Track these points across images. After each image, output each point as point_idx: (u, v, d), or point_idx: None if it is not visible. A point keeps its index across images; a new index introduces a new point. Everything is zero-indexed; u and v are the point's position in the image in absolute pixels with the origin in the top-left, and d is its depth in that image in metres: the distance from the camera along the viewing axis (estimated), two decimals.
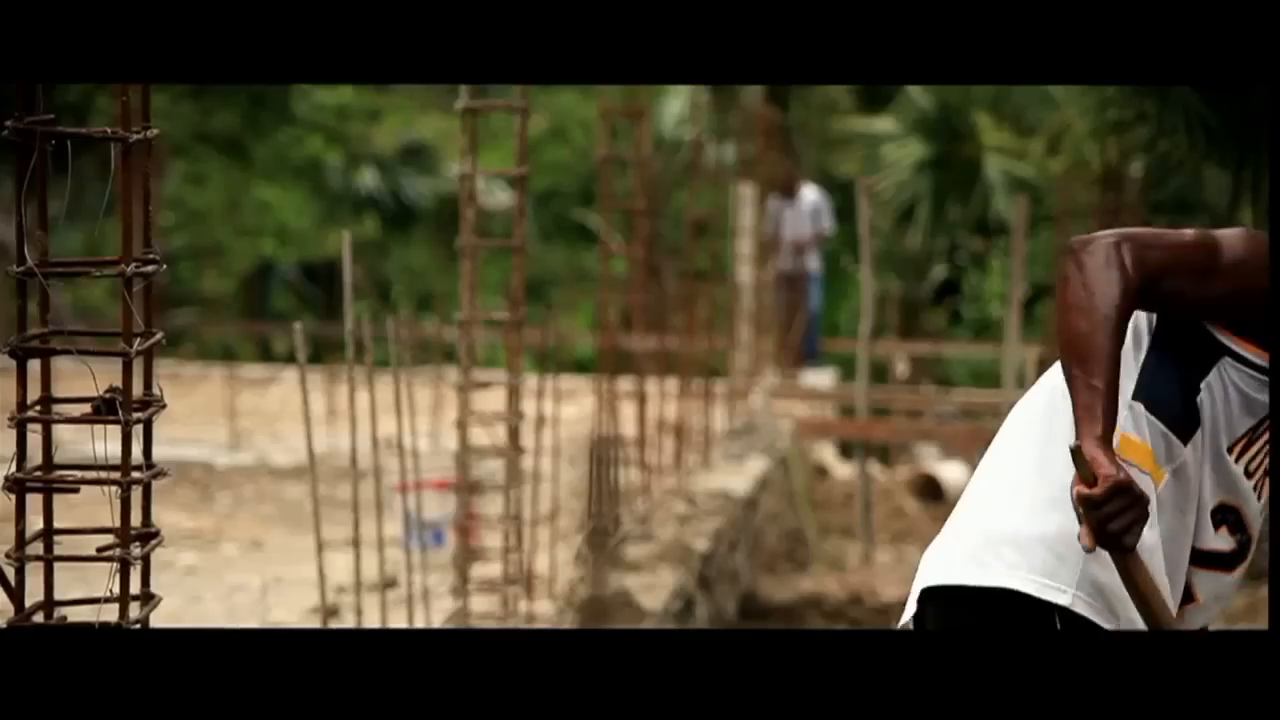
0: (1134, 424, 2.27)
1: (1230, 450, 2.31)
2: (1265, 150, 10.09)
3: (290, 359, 14.49)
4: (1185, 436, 2.29)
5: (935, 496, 11.30)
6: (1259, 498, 2.33)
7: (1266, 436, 2.32)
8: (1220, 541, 2.33)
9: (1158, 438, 2.28)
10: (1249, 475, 2.33)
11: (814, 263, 14.45)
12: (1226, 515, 2.33)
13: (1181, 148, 10.64)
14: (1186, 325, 2.31)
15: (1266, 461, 2.33)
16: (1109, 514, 2.15)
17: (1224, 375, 2.31)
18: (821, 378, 13.80)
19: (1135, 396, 2.28)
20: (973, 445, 11.52)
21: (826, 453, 12.60)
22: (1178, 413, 2.28)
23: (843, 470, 12.19)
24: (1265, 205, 11.16)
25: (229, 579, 6.45)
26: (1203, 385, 2.30)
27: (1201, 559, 2.33)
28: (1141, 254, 2.24)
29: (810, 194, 14.44)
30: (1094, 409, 2.17)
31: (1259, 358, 2.29)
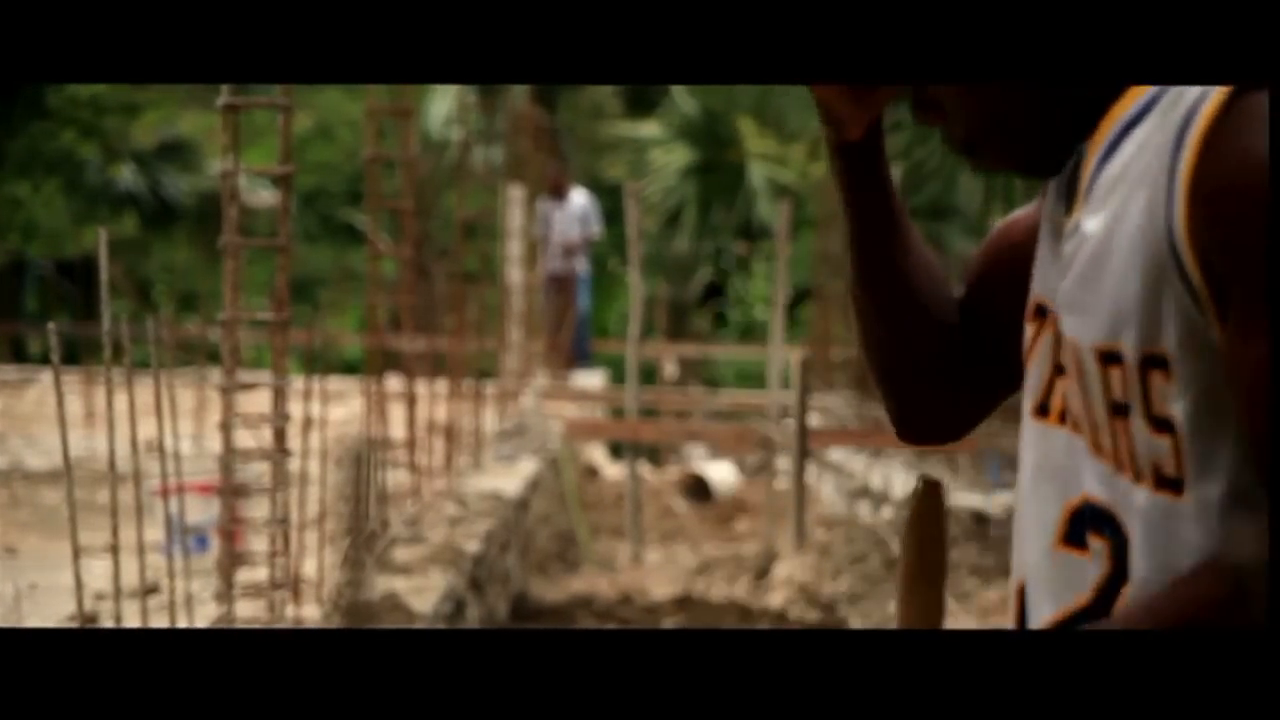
0: None
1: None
2: None
3: (45, 360, 14.04)
4: None
5: (703, 496, 11.44)
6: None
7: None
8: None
9: None
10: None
11: (583, 265, 14.53)
12: None
13: (936, 154, 10.97)
14: None
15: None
16: None
17: None
18: (591, 379, 13.89)
19: None
20: (739, 445, 11.70)
21: (597, 453, 12.69)
22: None
23: (613, 471, 12.29)
24: (1017, 208, 11.56)
25: None
26: None
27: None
28: None
29: (579, 197, 14.52)
30: None
31: None
